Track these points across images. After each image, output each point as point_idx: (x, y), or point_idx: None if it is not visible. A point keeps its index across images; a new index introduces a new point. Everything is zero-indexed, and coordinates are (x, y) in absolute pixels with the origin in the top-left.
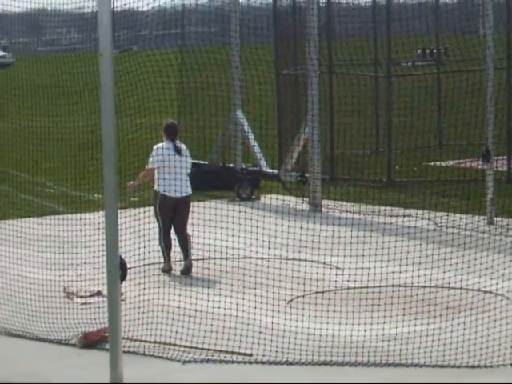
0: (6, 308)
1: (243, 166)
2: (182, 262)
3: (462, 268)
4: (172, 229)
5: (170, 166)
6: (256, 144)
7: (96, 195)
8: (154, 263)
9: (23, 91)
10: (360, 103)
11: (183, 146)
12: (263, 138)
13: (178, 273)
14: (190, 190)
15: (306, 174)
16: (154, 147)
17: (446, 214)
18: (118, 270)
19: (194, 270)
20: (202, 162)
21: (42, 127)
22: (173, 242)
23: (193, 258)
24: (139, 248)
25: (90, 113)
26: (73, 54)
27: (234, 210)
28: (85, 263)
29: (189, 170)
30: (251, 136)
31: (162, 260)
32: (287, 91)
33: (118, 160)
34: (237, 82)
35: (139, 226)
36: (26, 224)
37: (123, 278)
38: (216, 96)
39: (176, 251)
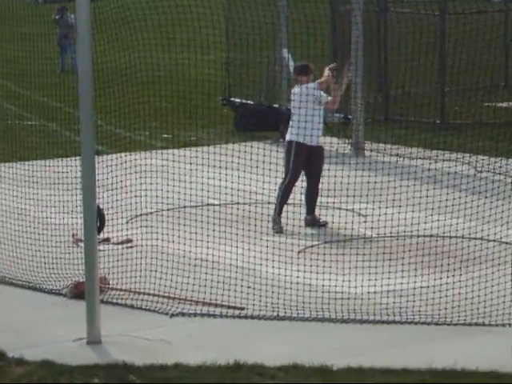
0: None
1: (288, 107)
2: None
3: (495, 220)
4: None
5: (308, 113)
6: None
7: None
8: (173, 209)
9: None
10: (420, 43)
11: (316, 91)
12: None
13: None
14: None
15: (349, 116)
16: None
17: (498, 159)
18: (95, 220)
19: (213, 215)
20: (249, 102)
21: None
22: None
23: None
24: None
25: (158, 50)
26: None
27: (271, 151)
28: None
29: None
30: None
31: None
32: (343, 28)
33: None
34: (283, 21)
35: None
36: (63, 163)
37: (101, 229)
38: (261, 34)
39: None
